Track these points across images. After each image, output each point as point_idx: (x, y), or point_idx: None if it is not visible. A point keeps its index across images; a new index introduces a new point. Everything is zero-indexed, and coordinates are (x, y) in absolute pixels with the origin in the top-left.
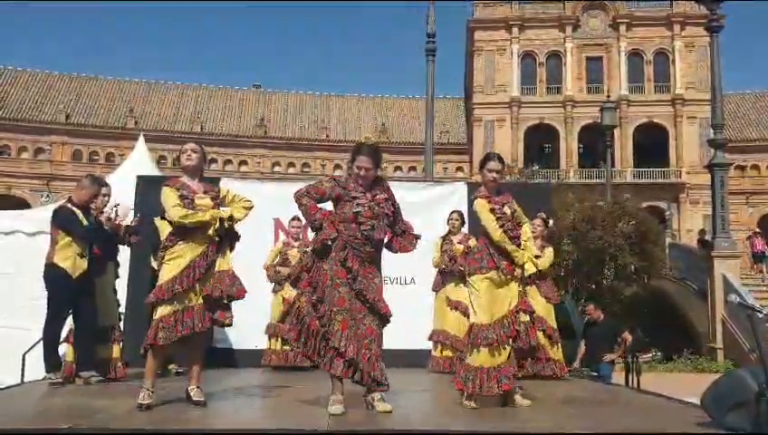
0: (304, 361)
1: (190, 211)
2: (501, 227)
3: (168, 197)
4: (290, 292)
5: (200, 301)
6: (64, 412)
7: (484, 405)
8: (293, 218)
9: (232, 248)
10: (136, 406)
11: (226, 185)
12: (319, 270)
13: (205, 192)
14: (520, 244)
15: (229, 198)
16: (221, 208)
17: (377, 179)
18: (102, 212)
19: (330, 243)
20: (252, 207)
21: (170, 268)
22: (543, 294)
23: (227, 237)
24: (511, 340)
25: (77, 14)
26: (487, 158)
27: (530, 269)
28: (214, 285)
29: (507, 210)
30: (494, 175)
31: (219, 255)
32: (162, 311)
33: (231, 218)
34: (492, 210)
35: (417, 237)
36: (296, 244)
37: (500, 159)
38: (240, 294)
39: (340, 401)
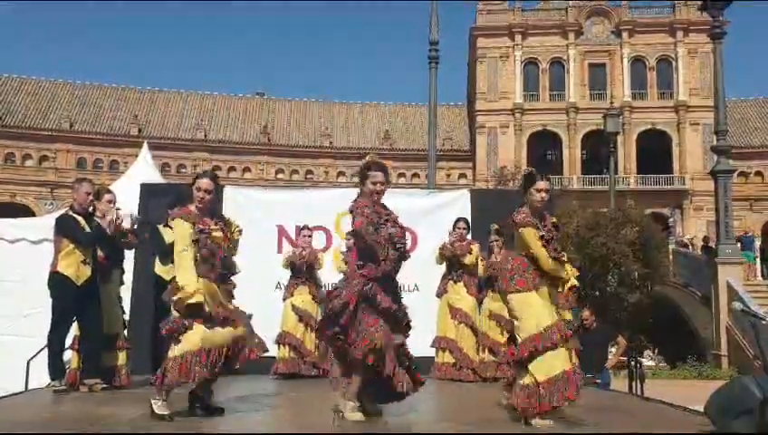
0: (312, 370)
1: (192, 276)
2: (551, 254)
3: (183, 232)
4: (300, 300)
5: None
6: (70, 420)
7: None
8: (304, 228)
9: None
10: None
11: (230, 193)
12: (373, 299)
13: (215, 224)
14: (563, 262)
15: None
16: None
17: None
18: (108, 220)
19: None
20: (239, 237)
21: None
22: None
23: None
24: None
25: (81, 22)
26: (534, 177)
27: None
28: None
29: (552, 235)
30: (543, 195)
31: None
32: (192, 341)
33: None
34: (542, 237)
35: None
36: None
37: (548, 179)
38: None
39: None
